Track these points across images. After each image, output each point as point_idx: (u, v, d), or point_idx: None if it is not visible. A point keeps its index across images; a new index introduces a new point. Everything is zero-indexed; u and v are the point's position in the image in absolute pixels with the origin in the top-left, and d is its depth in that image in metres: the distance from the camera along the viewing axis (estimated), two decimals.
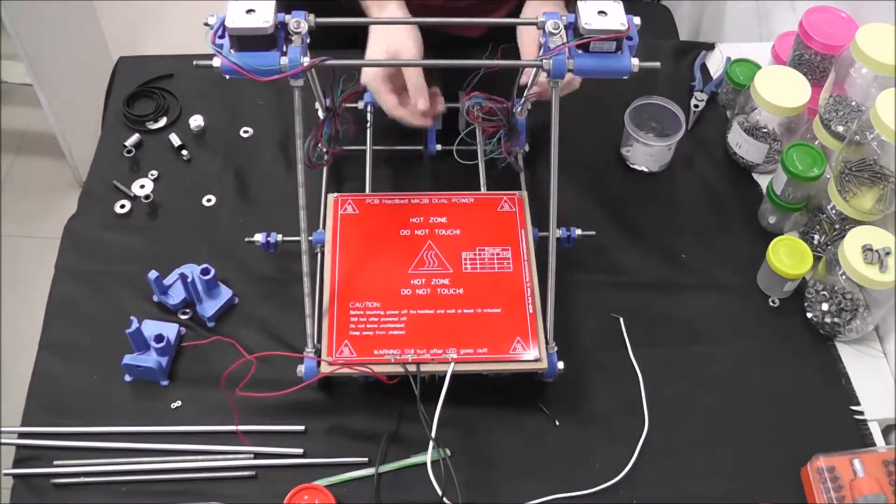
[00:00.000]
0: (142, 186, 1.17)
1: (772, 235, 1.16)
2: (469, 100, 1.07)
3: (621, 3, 0.90)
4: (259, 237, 1.08)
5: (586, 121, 1.28)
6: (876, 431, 1.03)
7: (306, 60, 0.87)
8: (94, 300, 1.08)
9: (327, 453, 0.97)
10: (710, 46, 1.39)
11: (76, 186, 2.15)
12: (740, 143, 1.23)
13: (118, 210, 1.16)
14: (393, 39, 1.04)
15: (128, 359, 1.00)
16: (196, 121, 1.23)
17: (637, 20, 0.91)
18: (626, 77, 0.91)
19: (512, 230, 1.06)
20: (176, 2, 1.20)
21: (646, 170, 1.24)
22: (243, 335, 1.05)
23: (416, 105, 1.04)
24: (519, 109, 1.10)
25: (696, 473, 0.99)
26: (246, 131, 1.25)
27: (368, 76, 1.05)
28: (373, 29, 1.06)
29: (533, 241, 1.05)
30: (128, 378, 1.02)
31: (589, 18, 0.88)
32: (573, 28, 0.91)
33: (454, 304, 0.99)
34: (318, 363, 0.95)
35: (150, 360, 1.00)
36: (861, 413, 1.04)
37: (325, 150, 1.09)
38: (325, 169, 1.16)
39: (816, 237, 1.15)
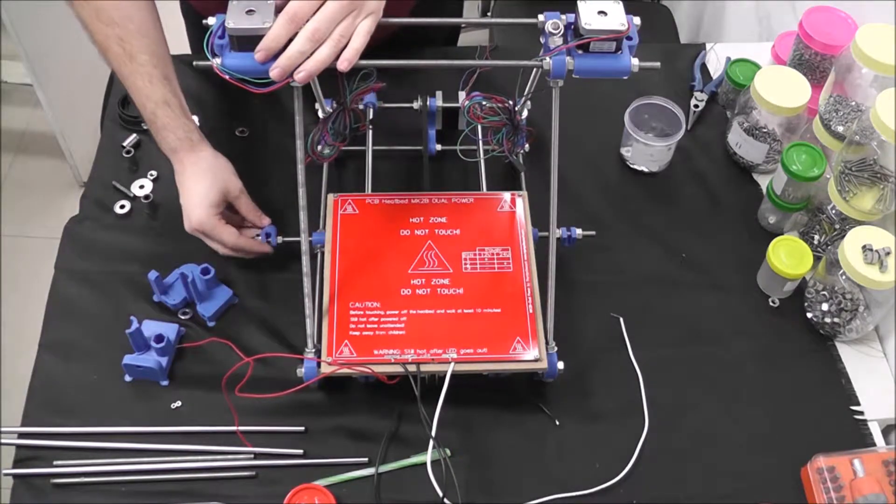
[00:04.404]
0: (141, 187, 1.17)
1: (772, 235, 1.16)
2: (470, 100, 1.07)
3: (621, 3, 0.90)
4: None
5: (586, 121, 1.28)
6: (876, 431, 1.03)
7: None
8: (94, 300, 1.08)
9: (327, 453, 0.98)
10: (702, 47, 1.39)
11: (76, 186, 2.15)
12: (740, 143, 1.23)
13: (118, 210, 1.16)
14: (217, 175, 1.05)
15: (128, 359, 1.00)
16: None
17: (637, 20, 0.91)
18: (626, 77, 0.91)
19: (512, 230, 1.06)
20: (176, 2, 1.20)
21: (646, 170, 1.24)
22: (243, 335, 1.05)
23: (261, 223, 1.08)
24: (519, 108, 1.10)
25: (696, 473, 0.99)
26: (242, 131, 1.25)
27: (202, 217, 1.04)
28: (188, 167, 1.05)
29: (533, 241, 1.05)
30: (128, 378, 1.02)
31: (589, 18, 0.88)
32: (573, 28, 0.91)
33: (454, 304, 0.99)
34: (319, 364, 0.95)
35: (150, 360, 1.00)
36: (861, 413, 1.04)
37: (331, 144, 1.09)
38: (325, 169, 1.16)
39: (816, 237, 1.15)
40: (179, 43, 1.29)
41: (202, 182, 1.05)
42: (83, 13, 1.04)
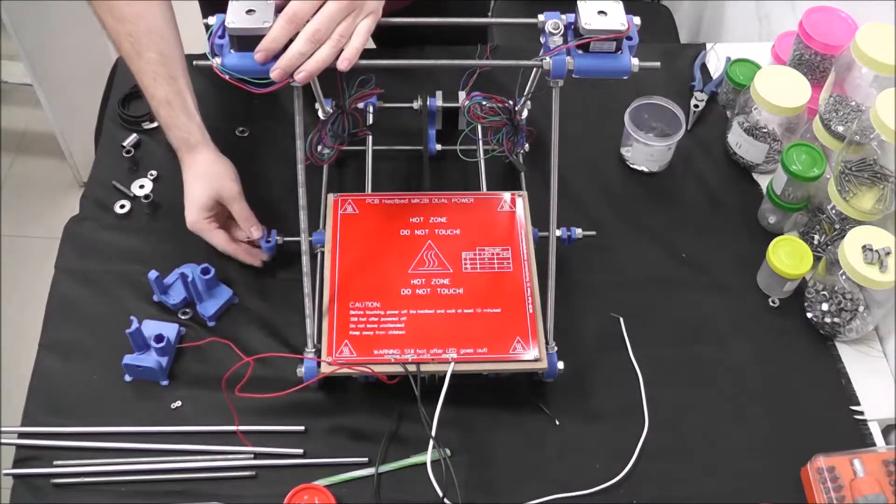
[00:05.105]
0: (141, 186, 1.17)
1: (772, 235, 1.16)
2: (470, 100, 1.07)
3: (621, 3, 0.90)
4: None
5: (586, 121, 1.28)
6: (876, 431, 1.03)
7: None
8: (94, 300, 1.08)
9: (327, 453, 0.98)
10: (702, 47, 1.39)
11: (76, 186, 2.15)
12: (740, 143, 1.23)
13: (118, 210, 1.16)
14: (212, 180, 1.06)
15: (128, 359, 1.00)
16: None
17: (637, 20, 0.91)
18: (626, 77, 0.91)
19: (512, 230, 1.06)
20: (176, 2, 1.20)
21: (646, 170, 1.24)
22: (244, 335, 1.05)
23: (251, 234, 1.07)
24: (519, 108, 1.10)
25: (696, 473, 0.99)
26: (243, 131, 1.25)
27: (192, 220, 1.06)
28: (187, 168, 1.07)
29: (533, 241, 1.05)
30: (128, 378, 1.02)
31: (589, 18, 0.88)
32: (573, 28, 0.91)
33: (454, 304, 0.99)
34: (319, 363, 0.95)
35: (150, 360, 1.00)
36: (861, 413, 1.04)
37: (330, 146, 1.09)
38: (325, 169, 1.16)
39: (816, 237, 1.15)
40: (195, 42, 1.29)
41: (196, 185, 1.06)
42: (98, 9, 1.05)
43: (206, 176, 1.06)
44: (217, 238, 1.07)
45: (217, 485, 0.95)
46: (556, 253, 0.99)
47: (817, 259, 1.11)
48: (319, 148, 1.08)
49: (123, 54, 1.06)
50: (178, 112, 1.05)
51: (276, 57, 0.85)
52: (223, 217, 1.09)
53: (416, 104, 1.18)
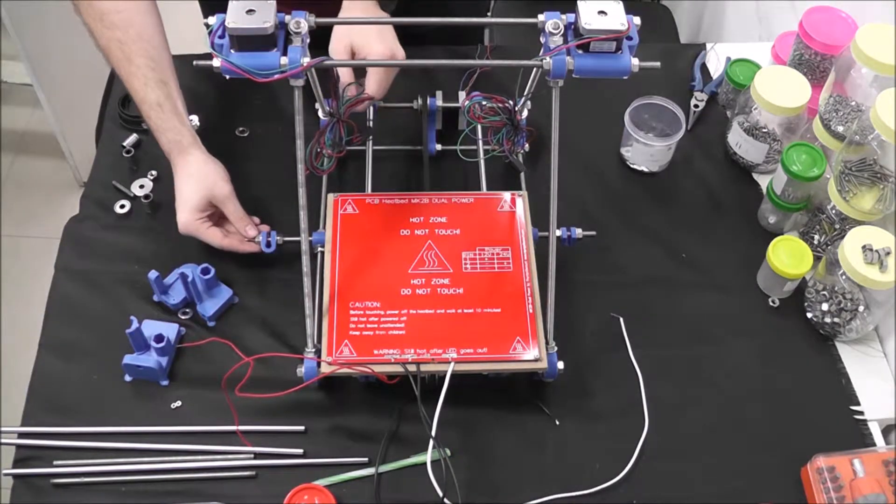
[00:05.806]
0: (141, 186, 1.17)
1: (772, 235, 1.16)
2: (470, 100, 1.07)
3: (621, 3, 0.90)
4: (259, 237, 1.08)
5: (586, 121, 1.28)
6: (876, 431, 1.03)
7: (306, 60, 0.87)
8: (94, 300, 1.08)
9: (327, 453, 0.98)
10: (702, 47, 1.39)
11: (76, 186, 2.15)
12: (740, 143, 1.23)
13: (118, 210, 1.16)
14: (205, 180, 1.06)
15: (128, 359, 1.00)
16: (192, 121, 1.23)
17: (637, 20, 0.91)
18: (626, 77, 0.91)
19: (512, 230, 1.06)
20: (176, 2, 1.20)
21: (646, 170, 1.24)
22: (244, 335, 1.05)
23: (247, 234, 1.08)
24: (519, 108, 1.10)
25: (696, 473, 0.99)
26: (243, 131, 1.25)
27: (186, 221, 1.06)
28: (179, 170, 1.08)
29: (533, 241, 1.05)
30: (128, 378, 1.02)
31: (589, 18, 0.88)
32: (573, 28, 0.91)
33: (454, 304, 0.99)
34: (319, 363, 0.95)
35: (150, 360, 1.00)
36: (861, 413, 1.04)
37: (329, 154, 1.09)
38: None
39: (816, 237, 1.15)
40: (179, 42, 1.29)
41: (188, 186, 1.06)
42: (87, 17, 1.06)
43: (198, 177, 1.06)
44: (212, 235, 1.08)
45: (217, 485, 0.95)
46: (556, 253, 0.99)
47: (817, 259, 1.11)
48: (318, 157, 1.08)
49: (112, 59, 1.07)
50: (169, 115, 1.06)
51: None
52: (215, 218, 1.09)
53: (416, 104, 1.18)
